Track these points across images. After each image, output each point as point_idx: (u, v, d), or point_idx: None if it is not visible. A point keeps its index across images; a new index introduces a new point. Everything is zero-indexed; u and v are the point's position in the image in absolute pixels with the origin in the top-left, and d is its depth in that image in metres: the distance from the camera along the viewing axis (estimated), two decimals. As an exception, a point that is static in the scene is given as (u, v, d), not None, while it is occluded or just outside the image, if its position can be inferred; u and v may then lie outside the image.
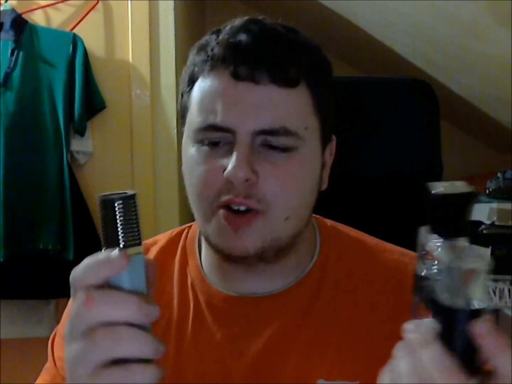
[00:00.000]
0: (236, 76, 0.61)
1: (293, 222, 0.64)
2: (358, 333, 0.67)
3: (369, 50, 2.49)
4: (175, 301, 0.70)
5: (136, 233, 0.45)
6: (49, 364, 0.73)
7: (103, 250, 0.44)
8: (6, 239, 1.75)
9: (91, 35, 1.90)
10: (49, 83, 1.82)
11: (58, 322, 0.77)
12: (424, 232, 0.45)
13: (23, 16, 1.85)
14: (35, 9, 1.89)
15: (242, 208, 0.61)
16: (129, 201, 0.44)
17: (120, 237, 0.44)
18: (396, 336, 0.66)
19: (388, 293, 0.69)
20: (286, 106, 0.61)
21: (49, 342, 0.75)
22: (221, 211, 0.62)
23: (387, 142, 1.01)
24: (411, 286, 0.68)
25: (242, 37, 0.61)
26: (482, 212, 2.04)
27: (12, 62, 1.80)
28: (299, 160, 0.63)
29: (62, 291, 1.67)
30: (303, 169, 0.64)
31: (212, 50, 0.63)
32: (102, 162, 1.94)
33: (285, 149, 0.62)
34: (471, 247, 0.43)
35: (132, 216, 0.44)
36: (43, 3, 1.89)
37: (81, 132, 1.86)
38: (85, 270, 0.44)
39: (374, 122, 1.01)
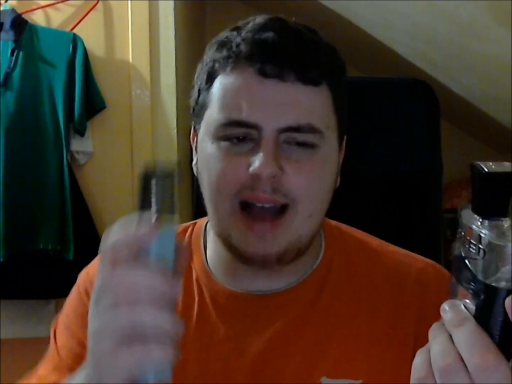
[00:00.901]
0: (263, 74, 0.61)
1: (314, 220, 0.65)
2: (360, 332, 0.67)
3: (369, 50, 2.49)
4: (180, 295, 0.70)
5: (171, 202, 0.46)
6: (51, 353, 0.73)
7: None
8: (6, 239, 1.75)
9: (91, 35, 1.90)
10: (49, 83, 1.82)
11: (58, 322, 0.77)
12: (465, 213, 0.44)
13: (23, 16, 1.85)
14: (35, 9, 1.89)
15: (267, 205, 0.61)
16: (168, 173, 0.46)
17: (153, 203, 0.45)
18: (397, 336, 0.67)
19: (390, 293, 0.69)
20: (311, 103, 0.62)
21: (51, 330, 0.74)
22: (241, 222, 0.62)
23: (387, 142, 1.01)
24: (412, 286, 0.69)
25: (269, 34, 0.61)
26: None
27: (12, 62, 1.80)
28: (321, 158, 0.63)
29: (62, 291, 1.67)
30: (325, 167, 0.64)
31: (237, 46, 0.62)
32: (102, 162, 1.94)
33: (309, 147, 0.62)
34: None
35: (169, 186, 0.45)
36: (43, 3, 1.89)
37: (81, 132, 1.86)
38: (115, 233, 0.45)
39: (374, 122, 1.01)
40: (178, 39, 1.97)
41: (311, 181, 0.63)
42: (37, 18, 1.90)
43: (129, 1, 1.92)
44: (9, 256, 1.75)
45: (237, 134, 0.62)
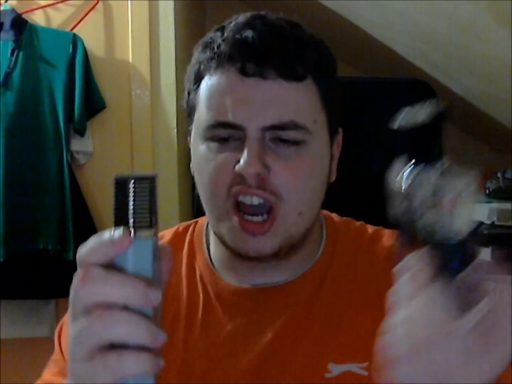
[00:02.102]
0: (244, 73, 0.61)
1: (305, 217, 0.65)
2: (365, 316, 0.67)
3: (369, 50, 2.49)
4: (184, 293, 0.70)
5: (147, 216, 0.43)
6: (56, 356, 0.72)
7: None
8: (6, 239, 1.75)
9: (91, 35, 1.90)
10: (49, 83, 1.82)
11: (58, 322, 0.77)
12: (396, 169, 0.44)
13: (23, 16, 1.85)
14: (35, 9, 1.89)
15: (255, 201, 0.62)
16: (143, 182, 0.43)
17: (128, 217, 0.42)
18: None
19: (390, 278, 0.69)
20: (294, 100, 0.62)
21: (56, 333, 0.74)
22: (235, 218, 0.62)
23: (387, 142, 1.01)
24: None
25: (248, 33, 0.62)
26: (482, 212, 2.04)
27: (12, 62, 1.80)
28: (309, 154, 0.63)
29: (62, 291, 1.66)
30: (313, 163, 0.64)
31: (218, 47, 0.63)
32: (102, 162, 1.94)
33: (295, 143, 0.62)
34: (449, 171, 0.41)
35: (144, 197, 0.43)
36: (43, 3, 1.89)
37: (81, 132, 1.86)
38: (89, 248, 0.43)
39: (374, 122, 1.01)
40: (178, 39, 1.97)
41: (300, 178, 0.63)
42: (37, 18, 1.90)
43: (129, 1, 1.92)
44: (9, 256, 1.75)
45: (224, 134, 0.62)
